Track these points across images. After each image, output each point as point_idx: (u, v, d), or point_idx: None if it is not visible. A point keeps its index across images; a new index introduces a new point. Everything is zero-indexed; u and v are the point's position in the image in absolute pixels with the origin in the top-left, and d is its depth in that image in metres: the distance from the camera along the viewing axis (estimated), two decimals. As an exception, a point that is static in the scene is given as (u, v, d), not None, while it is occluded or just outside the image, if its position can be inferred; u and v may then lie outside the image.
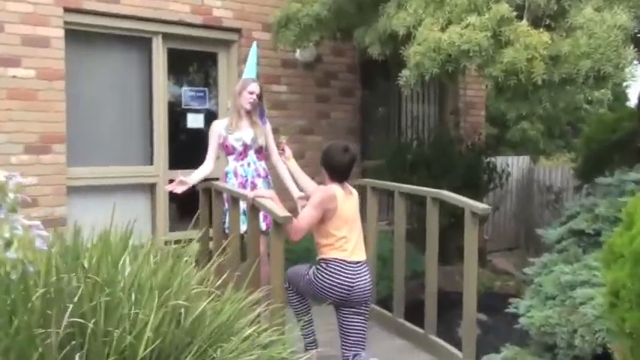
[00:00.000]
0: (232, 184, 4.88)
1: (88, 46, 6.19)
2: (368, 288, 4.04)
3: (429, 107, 8.94)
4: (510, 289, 6.98)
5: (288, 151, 4.78)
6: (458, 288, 6.86)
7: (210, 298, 2.72)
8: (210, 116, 7.04)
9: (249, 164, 5.02)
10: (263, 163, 5.16)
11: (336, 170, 4.06)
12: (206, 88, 7.07)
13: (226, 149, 5.04)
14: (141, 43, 6.46)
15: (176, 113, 6.76)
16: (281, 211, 3.65)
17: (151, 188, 6.54)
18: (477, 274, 4.49)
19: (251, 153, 5.07)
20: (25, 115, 5.60)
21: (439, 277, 5.05)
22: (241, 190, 4.40)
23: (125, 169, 6.36)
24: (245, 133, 5.05)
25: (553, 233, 5.05)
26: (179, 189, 4.84)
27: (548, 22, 5.12)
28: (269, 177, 5.17)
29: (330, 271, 3.93)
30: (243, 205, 4.47)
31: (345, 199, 4.05)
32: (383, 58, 5.71)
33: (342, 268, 3.94)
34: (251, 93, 5.05)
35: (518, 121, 14.70)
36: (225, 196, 4.68)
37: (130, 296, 2.49)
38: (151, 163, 6.52)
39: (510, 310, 4.59)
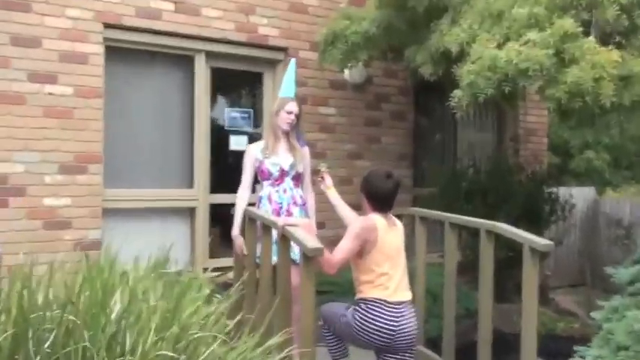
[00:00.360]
0: (266, 211, 4.53)
1: (128, 63, 6.01)
2: (413, 332, 3.59)
3: (486, 133, 8.50)
4: (574, 332, 6.44)
5: (329, 180, 4.40)
6: (516, 328, 6.39)
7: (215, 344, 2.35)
8: (254, 138, 6.76)
9: (285, 190, 4.64)
10: (300, 191, 4.78)
11: (378, 198, 3.67)
12: (251, 109, 6.80)
13: (262, 174, 4.69)
14: (183, 61, 6.25)
15: (219, 135, 6.50)
16: (311, 242, 3.25)
17: (191, 212, 6.27)
18: (538, 314, 4.00)
19: (288, 179, 4.70)
20: (60, 133, 5.43)
21: (495, 316, 4.57)
22: (273, 218, 4.02)
23: (164, 192, 6.12)
24: (283, 158, 4.68)
25: (625, 273, 4.50)
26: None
27: (617, 39, 4.67)
28: (306, 205, 4.78)
29: (371, 314, 3.50)
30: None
31: (388, 230, 3.65)
32: (435, 79, 5.35)
33: (384, 310, 3.51)
34: (289, 113, 4.67)
35: (583, 150, 14.03)
36: (258, 223, 4.31)
37: (112, 340, 2.14)
38: (191, 187, 6.26)
39: (575, 359, 4.09)
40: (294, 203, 4.62)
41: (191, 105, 6.26)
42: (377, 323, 3.47)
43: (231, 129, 6.61)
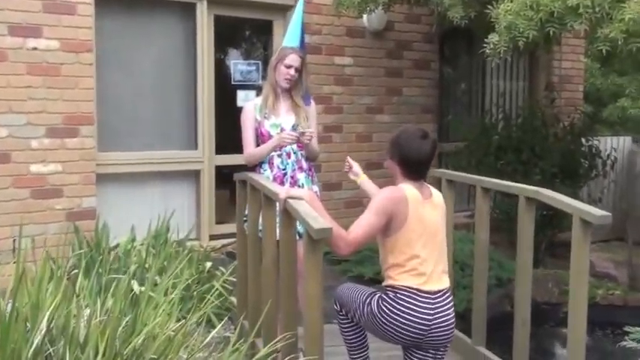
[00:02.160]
0: (267, 178, 3.90)
1: (122, 12, 5.49)
2: (450, 327, 3.00)
3: (517, 82, 7.94)
4: (616, 300, 5.90)
5: (356, 167, 3.70)
6: (551, 297, 5.91)
7: None
8: (264, 93, 6.23)
9: (288, 155, 3.98)
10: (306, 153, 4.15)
11: (412, 163, 3.01)
12: (259, 62, 6.26)
13: (261, 137, 4.00)
14: (183, 9, 5.72)
15: (224, 90, 5.98)
16: (318, 221, 2.66)
17: (196, 175, 5.78)
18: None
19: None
20: (47, 92, 4.96)
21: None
22: (275, 187, 3.40)
23: (165, 154, 5.65)
24: (285, 118, 4.02)
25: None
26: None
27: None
28: (313, 171, 4.17)
29: (400, 305, 2.90)
30: None
31: (422, 203, 3.00)
32: (466, 23, 4.70)
33: (417, 300, 2.91)
34: (288, 67, 3.95)
35: (618, 97, 13.30)
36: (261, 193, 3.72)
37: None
38: (196, 148, 5.79)
39: (627, 342, 3.57)
40: (300, 168, 4.00)
41: (193, 58, 5.76)
42: (408, 317, 2.87)
43: (238, 83, 6.10)
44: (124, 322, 2.21)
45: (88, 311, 2.15)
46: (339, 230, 2.84)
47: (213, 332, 2.67)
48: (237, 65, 6.14)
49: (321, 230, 2.58)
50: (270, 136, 3.96)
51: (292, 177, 3.95)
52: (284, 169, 3.95)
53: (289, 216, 3.03)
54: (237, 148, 6.04)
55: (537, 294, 5.62)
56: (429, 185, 3.12)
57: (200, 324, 2.55)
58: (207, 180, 5.77)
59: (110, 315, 2.08)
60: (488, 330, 4.25)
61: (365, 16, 6.20)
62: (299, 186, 3.91)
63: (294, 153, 3.98)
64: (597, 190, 7.50)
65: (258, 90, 6.17)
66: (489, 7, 4.06)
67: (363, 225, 2.90)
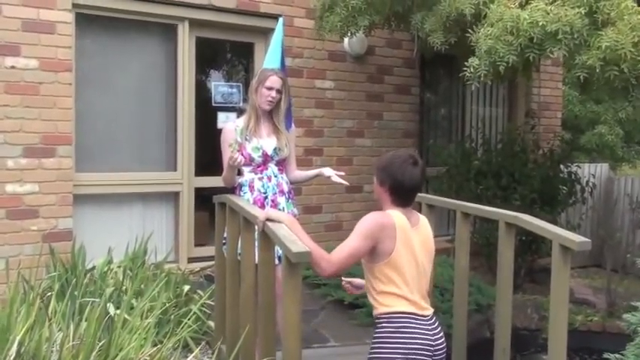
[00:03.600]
0: (247, 201, 3.84)
1: (102, 33, 5.44)
2: (445, 350, 2.96)
3: (497, 108, 7.99)
4: (595, 326, 5.90)
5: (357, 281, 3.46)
6: (531, 323, 5.89)
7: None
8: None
9: (269, 178, 3.97)
10: (285, 177, 4.10)
11: (404, 190, 2.91)
12: (240, 84, 6.24)
13: (244, 159, 3.93)
14: (164, 31, 5.69)
15: (205, 112, 5.94)
16: (295, 244, 2.61)
17: (175, 197, 5.72)
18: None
19: (272, 165, 4.02)
20: (24, 112, 4.87)
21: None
22: (254, 210, 3.35)
23: (144, 175, 5.57)
24: (266, 141, 3.98)
25: (660, 267, 3.95)
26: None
27: (659, -4, 4.06)
28: (293, 194, 4.16)
29: (402, 332, 2.79)
30: None
31: (411, 230, 2.91)
32: (446, 49, 4.73)
33: (416, 325, 2.81)
34: (269, 89, 3.91)
35: (595, 124, 13.46)
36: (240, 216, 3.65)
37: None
38: (175, 169, 5.72)
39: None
40: (281, 192, 3.97)
41: (174, 79, 5.71)
42: (412, 343, 2.77)
43: (219, 105, 6.06)
44: (98, 347, 2.14)
45: (60, 335, 2.08)
46: (321, 251, 2.77)
47: (191, 357, 2.61)
48: (218, 87, 6.11)
49: (299, 254, 2.54)
50: (251, 159, 3.92)
51: (273, 200, 3.92)
52: (264, 193, 3.92)
53: (267, 239, 2.98)
54: (217, 170, 6.00)
55: (517, 320, 5.60)
56: (414, 211, 3.05)
57: (177, 349, 2.49)
58: (187, 202, 5.70)
59: (83, 339, 2.02)
60: (467, 356, 4.22)
61: (346, 41, 6.22)
62: (279, 210, 3.86)
63: (275, 176, 3.96)
64: (576, 217, 7.54)
65: (239, 112, 6.16)
66: (470, 31, 4.08)
67: (347, 247, 2.82)
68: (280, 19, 4.39)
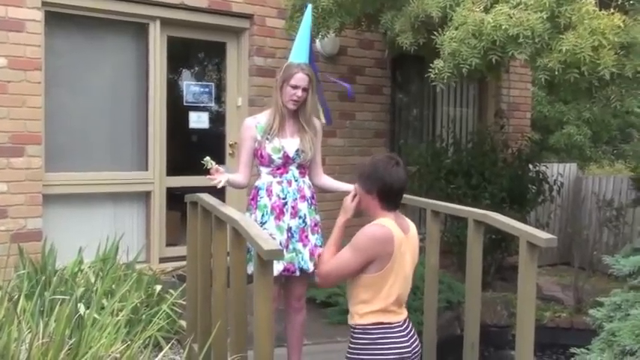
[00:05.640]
0: (263, 206, 3.57)
1: (73, 31, 5.40)
2: (420, 350, 2.96)
3: (467, 108, 8.05)
4: (563, 323, 6.02)
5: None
6: (500, 320, 5.98)
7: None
8: (217, 115, 6.20)
9: (289, 182, 3.63)
10: (308, 180, 3.76)
11: (394, 192, 2.84)
12: (212, 83, 6.23)
13: (260, 159, 3.64)
14: (135, 30, 5.66)
15: (176, 111, 5.92)
16: (267, 242, 2.57)
17: (146, 197, 5.70)
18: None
19: (293, 168, 3.67)
20: (-8, 111, 4.81)
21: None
22: (232, 213, 3.11)
23: (114, 175, 5.55)
24: (289, 141, 3.63)
25: (625, 263, 4.05)
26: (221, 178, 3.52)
27: (620, 1, 4.16)
28: (315, 199, 3.78)
29: (378, 344, 2.78)
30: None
31: (405, 240, 2.82)
32: (415, 49, 4.78)
33: (393, 335, 2.81)
34: (295, 87, 3.56)
35: (564, 124, 13.67)
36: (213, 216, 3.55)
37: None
38: (146, 169, 5.70)
39: (573, 364, 3.64)
40: (302, 197, 3.65)
41: (145, 78, 5.68)
42: (389, 354, 2.77)
43: (190, 105, 6.05)
44: (68, 345, 2.15)
45: (30, 334, 2.08)
46: (324, 258, 2.88)
47: (160, 355, 2.62)
48: (190, 86, 6.09)
49: (271, 252, 2.56)
50: (270, 160, 3.63)
51: (293, 207, 3.62)
52: (284, 198, 3.62)
53: (239, 237, 3.01)
54: (189, 169, 6.02)
55: (487, 317, 5.69)
56: (403, 216, 2.99)
57: (147, 347, 2.50)
58: (158, 202, 5.68)
59: (53, 338, 2.02)
60: (438, 352, 4.28)
61: (318, 41, 6.24)
62: (300, 217, 3.65)
63: (296, 180, 3.67)
64: (545, 215, 7.66)
65: (211, 112, 6.17)
66: (435, 33, 4.14)
67: (342, 261, 2.79)
68: (309, 6, 3.94)
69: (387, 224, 2.81)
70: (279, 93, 3.63)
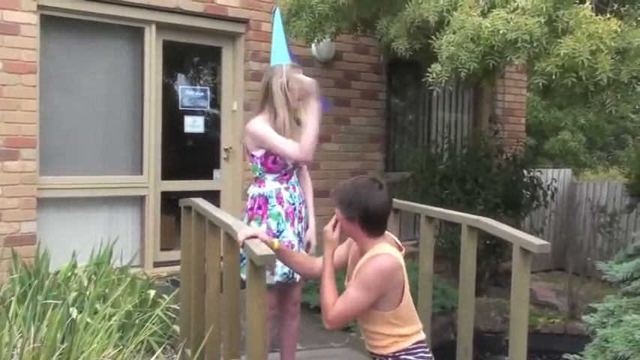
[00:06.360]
0: (277, 214, 3.51)
1: (68, 35, 5.39)
2: None
3: (462, 114, 8.07)
4: (556, 328, 6.03)
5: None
6: (494, 326, 5.99)
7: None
8: (212, 120, 6.20)
9: (294, 187, 3.62)
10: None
11: (379, 218, 2.65)
12: (207, 88, 6.23)
13: (273, 165, 3.54)
14: (131, 34, 5.66)
15: (172, 115, 5.92)
16: (259, 247, 2.57)
17: (140, 201, 5.69)
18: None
19: (295, 172, 3.67)
20: (-14, 114, 4.81)
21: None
22: (226, 218, 3.10)
23: (109, 179, 5.54)
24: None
25: (618, 269, 4.05)
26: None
27: (615, 6, 4.17)
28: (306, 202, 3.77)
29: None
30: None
31: (402, 258, 2.68)
32: (411, 55, 4.79)
33: (426, 349, 2.72)
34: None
35: (559, 130, 13.70)
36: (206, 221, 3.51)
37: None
38: (141, 173, 5.69)
39: (565, 369, 3.63)
40: (304, 201, 3.67)
41: (140, 82, 5.68)
42: None
43: (186, 109, 6.04)
44: (60, 350, 2.14)
45: (21, 338, 2.07)
46: (328, 300, 2.63)
47: (152, 358, 2.61)
48: (185, 91, 6.09)
49: (263, 257, 2.56)
50: (283, 166, 3.56)
51: (300, 211, 3.63)
52: (293, 204, 3.59)
53: (232, 241, 3.00)
54: (184, 174, 6.01)
55: (481, 322, 5.70)
56: (389, 234, 2.82)
57: (139, 351, 2.49)
58: (153, 206, 5.67)
59: (44, 342, 2.01)
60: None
61: (313, 46, 6.25)
62: (302, 219, 3.65)
63: (297, 185, 3.68)
64: (539, 221, 7.67)
65: (206, 116, 6.16)
66: (433, 37, 4.15)
67: (353, 303, 2.60)
68: (277, 9, 3.95)
69: (388, 251, 2.63)
70: (284, 94, 3.55)
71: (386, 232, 2.74)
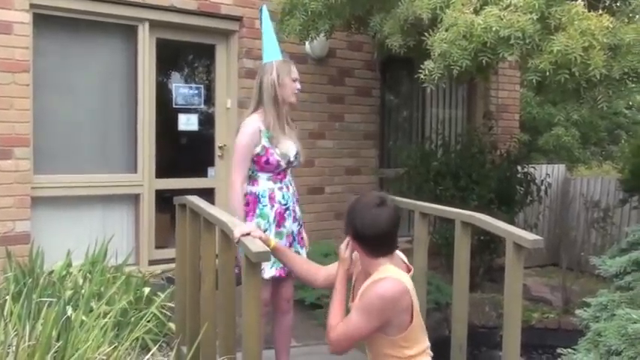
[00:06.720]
0: (266, 215, 3.48)
1: (61, 33, 5.38)
2: None
3: (456, 110, 8.07)
4: (551, 324, 6.05)
5: None
6: (489, 321, 6.01)
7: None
8: (206, 117, 6.20)
9: (287, 187, 3.59)
10: None
11: (386, 239, 2.52)
12: (201, 86, 6.22)
13: (266, 165, 3.51)
14: (124, 32, 5.65)
15: (166, 114, 5.91)
16: (254, 243, 2.58)
17: (135, 199, 5.69)
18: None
19: (289, 171, 3.66)
20: (-20, 113, 4.79)
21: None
22: (228, 221, 3.00)
23: (103, 177, 5.54)
24: (289, 144, 3.57)
25: (611, 264, 4.08)
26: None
27: (607, 2, 4.19)
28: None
29: None
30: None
31: (410, 279, 2.59)
32: (405, 52, 4.80)
33: None
34: (295, 80, 3.57)
35: (552, 126, 13.73)
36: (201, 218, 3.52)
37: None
38: (135, 171, 5.68)
39: (559, 364, 3.65)
40: (297, 200, 3.67)
41: (134, 81, 5.67)
42: None
43: (179, 107, 6.03)
44: (55, 347, 2.15)
45: (16, 337, 2.08)
46: (332, 320, 2.57)
47: (148, 356, 2.62)
48: (179, 89, 6.09)
49: (259, 253, 2.57)
50: (277, 166, 3.53)
51: (294, 210, 3.61)
52: (285, 204, 3.56)
53: (227, 239, 3.01)
54: (178, 171, 6.01)
55: (475, 318, 5.72)
56: (398, 253, 2.68)
57: (134, 349, 2.50)
58: (147, 204, 5.67)
59: (39, 340, 2.02)
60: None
61: (307, 43, 6.25)
62: (296, 219, 3.65)
63: (291, 184, 3.66)
64: (533, 216, 7.70)
65: (200, 114, 6.16)
66: (426, 35, 4.16)
67: (355, 328, 2.50)
68: (264, 7, 3.88)
69: (392, 274, 2.49)
70: (276, 90, 3.52)
71: (396, 251, 2.61)
